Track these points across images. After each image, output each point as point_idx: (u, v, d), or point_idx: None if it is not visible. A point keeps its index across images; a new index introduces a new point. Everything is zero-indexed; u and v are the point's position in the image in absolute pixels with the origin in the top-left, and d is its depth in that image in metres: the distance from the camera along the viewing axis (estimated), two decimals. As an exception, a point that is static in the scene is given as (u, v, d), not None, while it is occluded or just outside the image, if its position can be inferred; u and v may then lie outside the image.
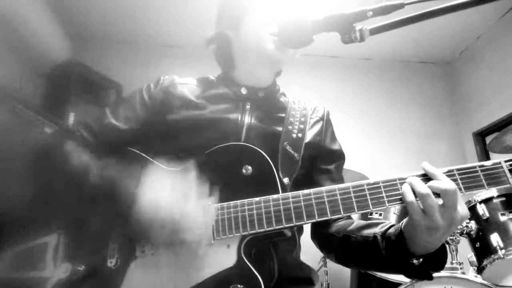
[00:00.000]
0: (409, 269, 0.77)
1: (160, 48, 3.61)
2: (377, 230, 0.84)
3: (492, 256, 1.67)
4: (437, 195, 0.70)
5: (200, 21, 2.88)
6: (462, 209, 0.70)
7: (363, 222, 0.92)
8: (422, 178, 0.74)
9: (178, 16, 3.25)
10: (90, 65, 3.06)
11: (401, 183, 0.74)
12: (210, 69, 1.14)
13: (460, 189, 0.72)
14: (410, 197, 0.71)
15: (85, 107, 2.87)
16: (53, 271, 0.80)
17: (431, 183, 0.71)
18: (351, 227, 0.92)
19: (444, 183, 0.70)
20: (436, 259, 0.76)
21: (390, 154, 3.52)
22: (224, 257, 0.75)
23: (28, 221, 0.87)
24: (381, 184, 0.75)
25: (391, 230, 0.81)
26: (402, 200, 0.73)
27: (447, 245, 1.86)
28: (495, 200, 1.78)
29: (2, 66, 2.54)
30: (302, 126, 1.02)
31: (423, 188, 0.70)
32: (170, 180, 0.78)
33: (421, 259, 0.75)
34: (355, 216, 0.94)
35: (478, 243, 1.77)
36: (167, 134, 0.95)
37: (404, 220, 0.77)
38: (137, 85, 1.04)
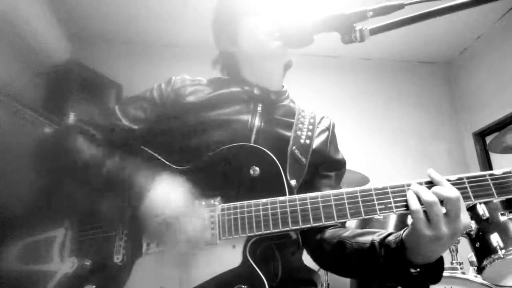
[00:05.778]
0: (406, 279, 0.75)
1: (160, 48, 3.60)
2: (375, 237, 0.82)
3: (492, 256, 1.67)
4: (440, 202, 0.68)
5: (200, 21, 2.88)
6: (465, 218, 0.69)
7: (358, 230, 0.91)
8: (426, 185, 0.71)
9: (178, 16, 3.25)
10: (90, 65, 3.05)
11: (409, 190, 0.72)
12: (211, 69, 1.14)
13: (469, 197, 0.70)
14: (415, 205, 0.69)
15: (85, 107, 2.87)
16: (59, 265, 0.81)
17: (434, 189, 0.69)
18: (346, 234, 0.90)
19: (447, 190, 0.68)
20: (433, 270, 0.74)
21: (390, 154, 3.52)
22: (229, 257, 0.75)
23: (36, 215, 0.88)
24: (389, 190, 0.73)
25: (391, 238, 0.79)
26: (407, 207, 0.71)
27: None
28: (495, 200, 1.78)
29: (2, 66, 2.53)
30: (310, 133, 1.03)
31: (429, 195, 0.68)
32: (177, 180, 0.78)
33: (418, 269, 0.73)
34: (353, 221, 0.94)
35: (478, 243, 1.77)
36: (177, 134, 0.95)
37: (406, 229, 0.75)
38: (137, 85, 1.04)
